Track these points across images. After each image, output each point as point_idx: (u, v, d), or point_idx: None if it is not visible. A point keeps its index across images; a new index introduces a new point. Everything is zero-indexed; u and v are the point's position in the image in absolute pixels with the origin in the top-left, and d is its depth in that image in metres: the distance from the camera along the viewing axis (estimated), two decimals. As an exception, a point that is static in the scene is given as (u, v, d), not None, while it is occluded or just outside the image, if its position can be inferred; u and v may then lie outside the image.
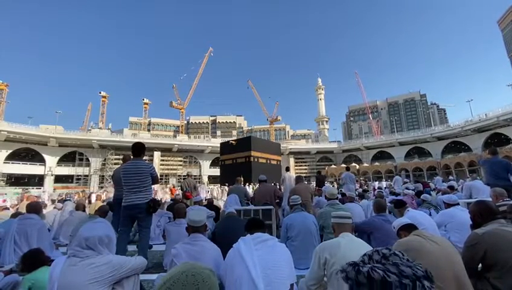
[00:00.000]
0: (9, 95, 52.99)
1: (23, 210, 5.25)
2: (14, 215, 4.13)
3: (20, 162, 38.29)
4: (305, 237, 3.36)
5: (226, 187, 16.01)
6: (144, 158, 3.91)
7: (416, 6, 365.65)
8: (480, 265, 1.85)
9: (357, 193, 8.18)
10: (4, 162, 36.20)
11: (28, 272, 2.09)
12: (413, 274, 0.65)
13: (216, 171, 40.74)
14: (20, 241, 3.42)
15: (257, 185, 7.88)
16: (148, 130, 76.62)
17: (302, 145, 61.00)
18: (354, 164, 44.30)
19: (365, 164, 47.06)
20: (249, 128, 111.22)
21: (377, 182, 22.87)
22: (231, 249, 1.87)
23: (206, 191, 15.88)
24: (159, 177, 4.36)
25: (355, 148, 54.08)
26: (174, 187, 21.81)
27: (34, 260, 2.19)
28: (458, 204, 3.63)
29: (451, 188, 7.42)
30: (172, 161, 48.22)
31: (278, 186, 8.42)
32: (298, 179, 6.23)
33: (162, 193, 15.36)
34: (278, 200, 5.91)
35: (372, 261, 0.73)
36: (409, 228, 1.96)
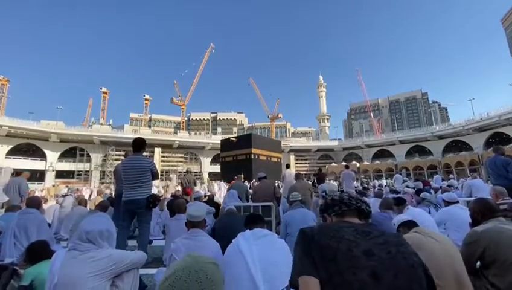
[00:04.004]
0: (10, 90, 53.34)
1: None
2: (9, 209, 4.13)
3: (21, 158, 38.26)
4: (304, 233, 3.37)
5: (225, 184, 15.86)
6: (145, 154, 3.91)
7: (418, 5, 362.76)
8: (478, 263, 1.85)
9: (357, 190, 8.19)
10: (5, 157, 36.27)
11: (31, 264, 2.09)
12: (348, 195, 1.12)
13: (216, 168, 40.71)
14: (20, 236, 3.43)
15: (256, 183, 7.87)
16: (149, 127, 76.55)
17: (302, 142, 60.85)
18: (354, 162, 44.19)
19: (366, 162, 46.95)
20: (250, 125, 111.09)
21: (377, 181, 22.88)
22: (230, 245, 1.87)
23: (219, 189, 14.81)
24: (159, 173, 4.37)
25: (356, 146, 53.96)
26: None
27: (41, 252, 2.18)
28: (458, 202, 3.62)
29: (450, 187, 7.43)
30: (172, 157, 48.28)
31: (277, 185, 8.41)
32: (297, 176, 6.26)
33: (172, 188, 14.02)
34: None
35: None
36: (409, 225, 1.96)
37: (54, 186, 15.21)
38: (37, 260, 2.10)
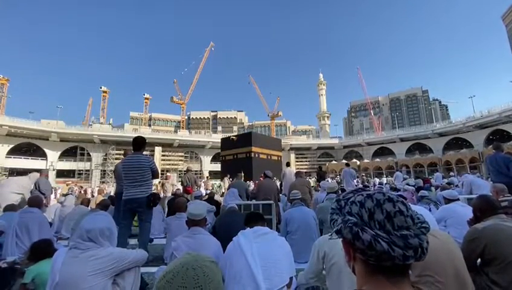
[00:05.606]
0: (10, 90, 53.21)
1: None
2: (9, 208, 4.13)
3: (22, 157, 38.35)
4: (304, 231, 3.38)
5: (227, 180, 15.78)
6: (145, 153, 3.91)
7: (419, 2, 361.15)
8: (479, 260, 1.85)
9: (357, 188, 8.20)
10: (6, 157, 36.33)
11: (34, 261, 2.10)
12: (419, 244, 0.55)
13: (217, 167, 40.72)
14: (22, 235, 3.44)
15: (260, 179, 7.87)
16: (149, 126, 76.48)
17: (303, 141, 60.83)
18: (354, 160, 44.21)
19: (366, 160, 46.96)
20: (250, 124, 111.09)
21: (377, 178, 22.88)
22: (231, 243, 1.88)
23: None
24: (159, 171, 4.38)
25: (356, 144, 53.94)
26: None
27: (44, 250, 2.19)
28: (458, 199, 3.62)
29: (449, 184, 7.44)
30: (173, 156, 48.32)
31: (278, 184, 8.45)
32: (297, 174, 6.32)
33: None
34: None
35: (374, 222, 0.58)
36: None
37: (67, 185, 15.56)
38: (39, 258, 2.11)
